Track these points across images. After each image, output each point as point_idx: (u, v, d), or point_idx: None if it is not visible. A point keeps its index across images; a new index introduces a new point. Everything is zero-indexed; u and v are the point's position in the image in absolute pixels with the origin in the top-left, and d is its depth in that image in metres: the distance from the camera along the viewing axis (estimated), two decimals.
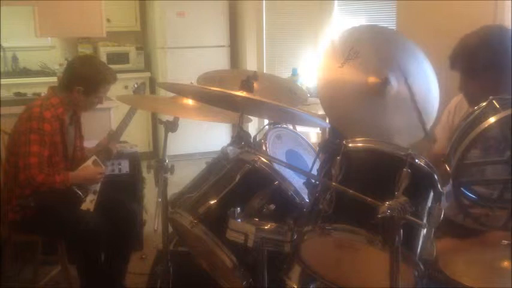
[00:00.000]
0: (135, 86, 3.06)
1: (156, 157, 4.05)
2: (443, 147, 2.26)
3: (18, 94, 4.73)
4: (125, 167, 3.42)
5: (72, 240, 2.68)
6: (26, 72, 5.72)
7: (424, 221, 1.45)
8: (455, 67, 2.05)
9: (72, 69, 2.85)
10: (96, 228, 2.65)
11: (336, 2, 5.19)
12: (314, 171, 1.70)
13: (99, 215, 2.76)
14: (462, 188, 1.42)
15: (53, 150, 2.69)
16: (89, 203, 2.76)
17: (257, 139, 2.27)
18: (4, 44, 5.54)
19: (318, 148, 1.94)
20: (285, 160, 2.18)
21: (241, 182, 1.77)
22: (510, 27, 2.08)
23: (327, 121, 2.25)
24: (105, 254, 2.81)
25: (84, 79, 2.75)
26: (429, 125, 1.92)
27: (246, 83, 1.96)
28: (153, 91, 5.83)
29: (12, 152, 2.72)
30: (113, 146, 2.95)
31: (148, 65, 6.19)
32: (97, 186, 2.83)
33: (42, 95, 3.56)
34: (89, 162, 2.84)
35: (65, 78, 2.84)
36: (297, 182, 1.79)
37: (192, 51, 5.81)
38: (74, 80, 2.76)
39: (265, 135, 2.27)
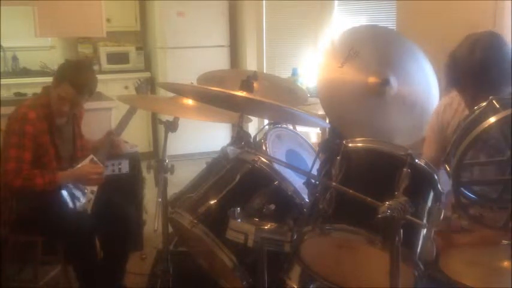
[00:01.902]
0: (138, 82, 3.03)
1: (156, 157, 4.05)
2: (432, 146, 2.24)
3: (18, 94, 4.74)
4: (124, 167, 3.41)
5: (68, 240, 2.67)
6: (26, 72, 5.71)
7: (424, 221, 1.45)
8: (462, 88, 1.97)
9: (60, 66, 2.87)
10: (92, 229, 2.65)
11: (336, 2, 5.19)
12: (314, 171, 1.70)
13: (97, 215, 2.75)
14: (462, 188, 1.42)
15: (41, 151, 2.67)
16: (86, 203, 2.76)
17: (257, 139, 2.27)
18: (4, 44, 5.54)
19: (318, 148, 1.94)
20: (285, 160, 2.18)
21: (241, 182, 1.77)
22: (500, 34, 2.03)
23: (327, 121, 2.25)
24: (103, 254, 2.81)
25: (58, 69, 2.78)
26: None
27: (246, 83, 1.96)
28: (153, 91, 5.82)
29: (2, 151, 2.72)
30: (120, 142, 2.91)
31: (148, 65, 6.19)
32: (95, 186, 2.81)
33: None
34: (86, 161, 2.82)
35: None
36: (297, 182, 1.79)
37: (192, 51, 5.81)
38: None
39: (265, 135, 2.27)
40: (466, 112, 1.97)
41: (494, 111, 1.32)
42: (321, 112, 3.08)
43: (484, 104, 1.38)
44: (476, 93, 1.90)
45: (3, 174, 2.59)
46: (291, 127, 2.55)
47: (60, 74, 2.74)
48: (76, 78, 2.70)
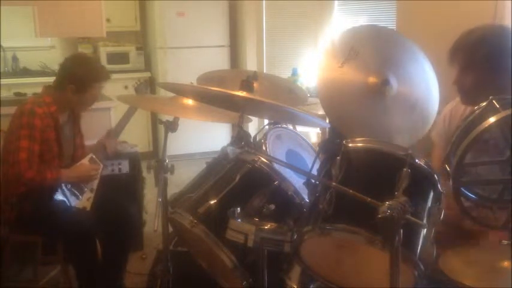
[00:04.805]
0: (137, 83, 3.04)
1: (156, 157, 4.06)
2: (441, 153, 2.26)
3: (18, 94, 4.73)
4: (125, 167, 3.42)
5: (67, 238, 2.67)
6: (26, 72, 5.72)
7: (424, 221, 1.45)
8: (453, 61, 2.06)
9: (65, 68, 2.85)
10: (91, 227, 2.65)
11: (336, 2, 5.20)
12: (314, 171, 1.70)
13: (97, 215, 2.75)
14: (462, 188, 1.42)
15: (46, 147, 2.67)
16: (85, 201, 2.76)
17: (257, 139, 2.27)
18: (4, 44, 5.54)
19: (318, 148, 1.94)
20: (285, 160, 2.18)
21: (241, 182, 1.77)
22: (510, 27, 2.08)
23: (327, 121, 2.25)
24: (103, 253, 2.81)
25: (75, 77, 2.76)
26: (429, 125, 1.92)
27: (246, 83, 1.95)
28: (153, 91, 5.83)
29: (6, 149, 2.72)
30: (110, 143, 2.93)
31: (148, 65, 6.19)
32: (94, 184, 2.82)
33: None
34: (85, 160, 2.83)
35: (58, 77, 2.84)
36: (297, 182, 1.79)
37: (192, 51, 5.81)
38: (66, 79, 2.77)
39: (265, 135, 2.26)
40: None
41: (494, 111, 1.32)
42: (321, 112, 3.08)
43: (484, 104, 1.38)
44: (481, 75, 1.98)
45: (15, 165, 2.57)
46: (291, 127, 2.55)
47: (80, 76, 2.77)
48: (99, 72, 2.79)
